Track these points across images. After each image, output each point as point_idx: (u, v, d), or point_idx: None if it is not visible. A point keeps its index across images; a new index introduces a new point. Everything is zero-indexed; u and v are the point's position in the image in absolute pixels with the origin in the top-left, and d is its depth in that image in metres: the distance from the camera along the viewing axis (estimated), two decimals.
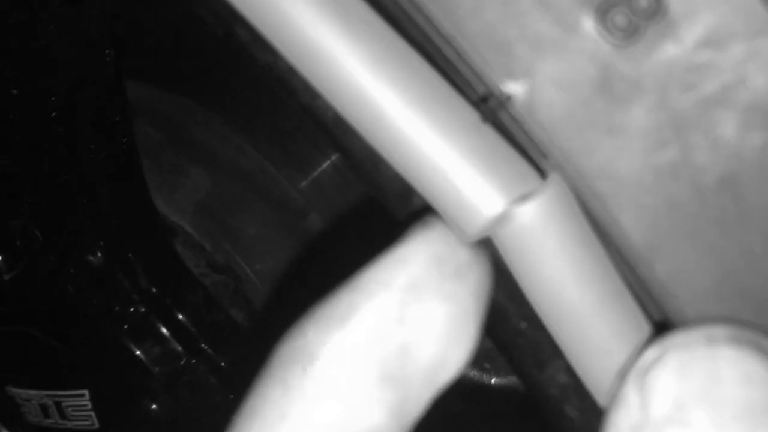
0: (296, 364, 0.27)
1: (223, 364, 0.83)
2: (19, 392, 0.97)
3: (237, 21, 0.34)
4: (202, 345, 0.83)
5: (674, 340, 0.25)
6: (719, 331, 0.25)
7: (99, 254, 0.80)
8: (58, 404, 0.94)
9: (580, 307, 0.29)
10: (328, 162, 0.98)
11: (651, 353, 0.25)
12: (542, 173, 0.29)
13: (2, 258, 0.84)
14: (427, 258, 0.28)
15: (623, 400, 0.24)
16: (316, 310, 0.28)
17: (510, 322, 0.35)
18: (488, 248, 0.31)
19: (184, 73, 0.99)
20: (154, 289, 0.82)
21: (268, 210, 0.97)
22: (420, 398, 0.28)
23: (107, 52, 0.63)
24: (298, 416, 0.27)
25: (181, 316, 0.83)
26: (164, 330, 0.82)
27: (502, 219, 0.29)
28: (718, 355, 0.24)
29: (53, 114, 0.64)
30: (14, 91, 0.60)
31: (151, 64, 0.96)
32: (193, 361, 0.83)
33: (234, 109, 0.99)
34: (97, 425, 0.92)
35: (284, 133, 0.98)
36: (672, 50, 0.25)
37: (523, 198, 0.29)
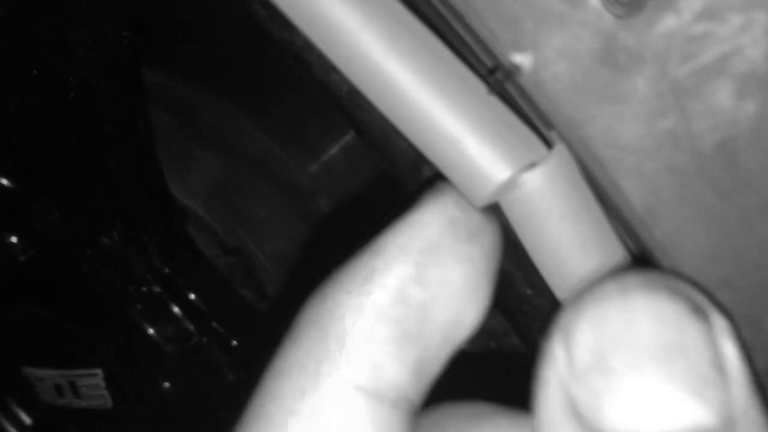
0: (320, 325, 0.29)
1: (234, 343, 0.85)
2: (34, 372, 0.98)
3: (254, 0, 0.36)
4: (214, 324, 0.85)
5: (591, 294, 0.25)
6: (632, 279, 0.25)
7: (114, 236, 0.82)
8: (71, 383, 0.96)
9: (583, 270, 0.30)
10: (337, 146, 0.99)
11: (571, 309, 0.26)
12: (548, 143, 0.31)
13: (18, 239, 0.86)
14: (442, 221, 0.30)
15: (550, 356, 0.25)
16: (338, 274, 0.30)
17: (516, 289, 0.37)
18: (497, 215, 0.33)
19: (197, 59, 1.00)
20: (167, 270, 0.84)
21: (278, 193, 0.98)
22: (439, 355, 0.30)
23: (125, 34, 0.64)
24: (326, 374, 0.28)
25: (193, 296, 0.84)
26: (177, 310, 0.84)
27: (510, 185, 0.30)
28: (631, 302, 0.25)
29: (71, 95, 0.66)
30: (34, 72, 0.62)
31: (165, 50, 0.97)
32: (205, 340, 0.84)
33: (245, 94, 1.00)
34: (110, 404, 0.93)
35: (294, 118, 1.00)
36: (671, 22, 0.27)
37: (530, 166, 0.30)
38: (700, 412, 0.23)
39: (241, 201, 0.98)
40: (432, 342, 0.29)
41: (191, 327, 0.84)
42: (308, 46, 0.34)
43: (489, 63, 0.30)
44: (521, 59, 0.28)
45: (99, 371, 0.93)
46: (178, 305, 0.83)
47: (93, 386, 0.94)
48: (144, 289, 0.83)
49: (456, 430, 0.31)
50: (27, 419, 1.05)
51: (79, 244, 0.82)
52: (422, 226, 0.30)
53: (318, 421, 0.27)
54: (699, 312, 0.25)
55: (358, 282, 0.29)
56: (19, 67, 0.64)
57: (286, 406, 0.28)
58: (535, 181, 0.30)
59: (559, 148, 0.30)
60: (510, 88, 0.30)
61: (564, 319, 0.26)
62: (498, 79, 0.29)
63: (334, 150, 0.99)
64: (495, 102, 0.31)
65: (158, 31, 0.94)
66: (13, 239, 0.87)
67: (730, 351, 0.24)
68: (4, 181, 0.83)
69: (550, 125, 0.30)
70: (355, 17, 0.31)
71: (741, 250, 0.28)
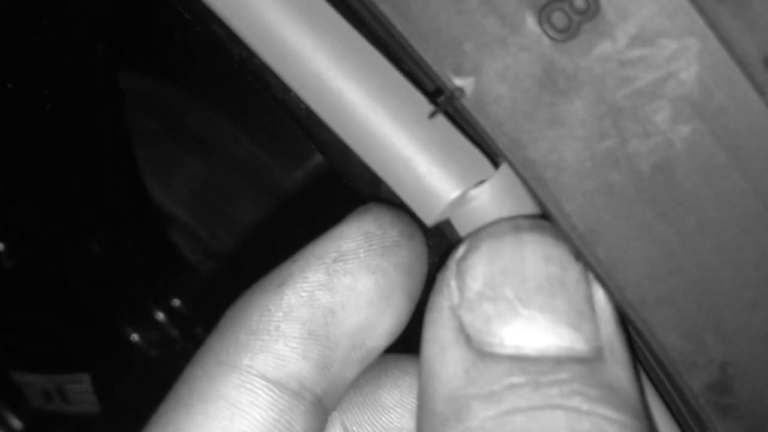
0: (236, 320, 0.32)
1: None
2: (22, 377, 0.99)
3: (212, 19, 0.36)
4: (198, 330, 0.85)
5: (486, 230, 0.29)
6: (524, 221, 0.29)
7: (97, 243, 0.83)
8: (60, 388, 0.96)
9: None
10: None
11: (467, 243, 0.29)
12: (495, 162, 0.32)
13: (4, 246, 0.87)
14: (358, 235, 0.32)
15: (444, 285, 0.28)
16: (261, 280, 0.33)
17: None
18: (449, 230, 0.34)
19: (181, 64, 1.01)
20: (151, 276, 0.84)
21: (262, 198, 0.99)
22: (348, 358, 0.32)
23: (99, 46, 0.65)
24: (234, 362, 0.31)
25: (177, 302, 0.85)
26: (161, 315, 0.84)
27: (459, 202, 0.31)
28: (522, 239, 0.28)
29: (47, 106, 0.66)
30: (9, 85, 0.62)
31: (149, 55, 0.98)
32: (190, 345, 0.85)
33: (229, 99, 1.01)
34: (98, 408, 0.94)
35: (278, 123, 1.00)
36: (607, 47, 0.27)
37: (479, 183, 0.31)
38: (576, 341, 0.26)
39: (226, 206, 0.98)
40: (338, 344, 0.32)
41: (175, 333, 0.84)
42: (265, 65, 0.35)
43: (434, 84, 0.30)
44: (464, 82, 0.29)
45: (87, 376, 0.94)
46: (163, 311, 0.84)
47: (81, 391, 0.95)
48: (128, 295, 0.83)
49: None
50: (17, 424, 1.06)
51: (62, 251, 0.83)
52: (338, 238, 0.33)
53: (223, 402, 0.30)
54: (579, 257, 0.28)
55: (274, 284, 0.32)
56: None
57: (195, 388, 0.31)
58: (483, 196, 0.31)
59: (505, 166, 0.31)
60: (455, 109, 0.30)
61: (459, 252, 0.29)
62: (442, 102, 0.30)
63: (319, 155, 0.99)
64: (442, 123, 0.31)
65: (141, 36, 0.95)
66: None
67: (600, 293, 0.28)
68: None
69: (494, 146, 0.30)
70: (306, 39, 0.32)
71: (681, 268, 0.29)
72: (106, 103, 0.72)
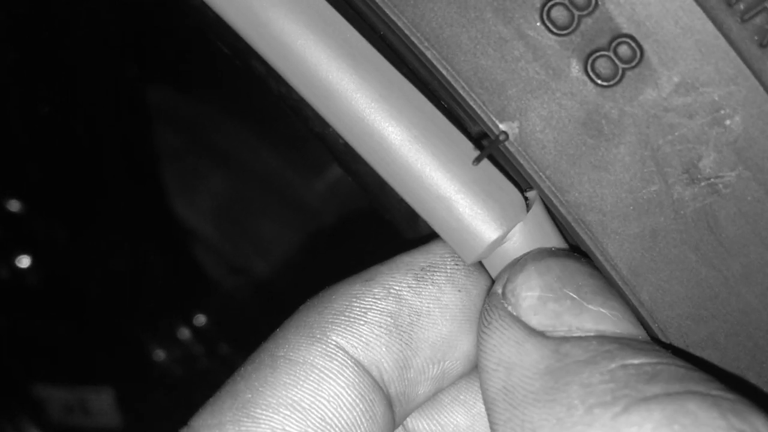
0: (326, 302, 0.33)
1: (242, 364, 0.86)
2: (44, 390, 0.99)
3: (252, 55, 0.36)
4: (222, 346, 0.86)
5: (526, 256, 0.31)
6: (560, 250, 0.31)
7: (121, 259, 0.83)
8: (82, 402, 0.97)
9: None
10: None
11: (509, 270, 0.31)
12: (527, 202, 0.32)
13: (31, 263, 0.87)
14: (445, 252, 0.34)
15: (497, 301, 0.30)
16: (343, 281, 0.34)
17: None
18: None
19: (204, 77, 1.01)
20: (174, 292, 0.85)
21: (285, 212, 0.99)
22: (424, 370, 0.33)
23: (128, 62, 0.65)
24: (323, 337, 0.32)
25: (202, 319, 0.86)
26: (185, 332, 0.85)
27: (497, 243, 0.31)
28: (565, 260, 0.30)
29: (75, 122, 0.67)
30: (45, 109, 0.63)
31: (172, 70, 0.98)
32: (214, 362, 0.85)
33: (251, 114, 1.01)
34: (120, 423, 0.94)
35: (300, 137, 1.01)
36: (652, 94, 0.27)
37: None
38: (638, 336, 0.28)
39: (248, 220, 0.99)
40: (420, 350, 0.33)
41: (199, 349, 0.85)
42: (304, 101, 0.35)
43: (479, 128, 0.31)
44: (508, 126, 0.29)
45: (109, 391, 0.94)
46: (186, 328, 0.84)
47: (103, 405, 0.95)
48: (152, 311, 0.84)
49: None
50: None
51: (87, 267, 0.83)
52: (426, 251, 0.34)
53: (310, 368, 0.31)
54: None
55: (362, 279, 0.33)
56: (27, 102, 0.65)
57: (280, 354, 0.32)
58: (515, 237, 0.32)
59: (536, 207, 0.31)
60: (497, 153, 0.30)
61: (502, 278, 0.30)
62: (487, 146, 0.30)
63: (340, 170, 0.99)
64: (484, 163, 0.32)
65: (166, 50, 0.95)
66: (24, 261, 0.88)
67: None
68: (15, 203, 0.84)
69: (528, 186, 0.31)
70: (348, 77, 0.32)
71: (724, 312, 0.29)
72: (132, 119, 0.73)
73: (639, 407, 0.25)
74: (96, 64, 0.71)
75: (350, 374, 0.31)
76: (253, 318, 0.92)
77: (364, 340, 0.32)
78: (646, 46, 0.27)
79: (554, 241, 0.32)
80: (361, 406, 0.31)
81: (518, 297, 0.30)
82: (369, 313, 0.32)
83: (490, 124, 0.29)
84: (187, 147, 1.00)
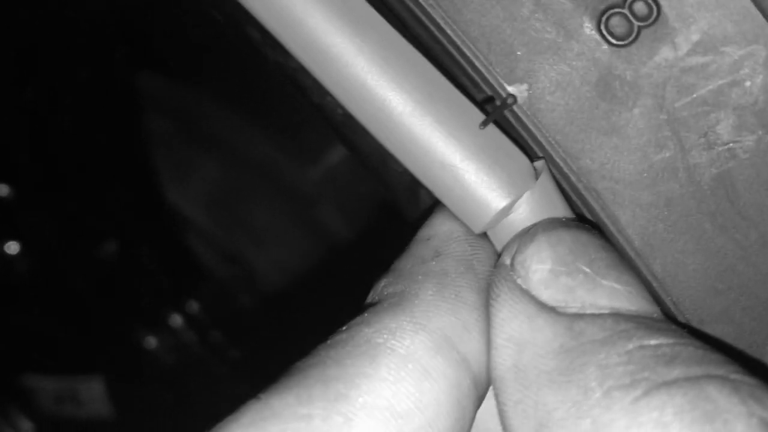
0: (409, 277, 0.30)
1: (234, 353, 0.85)
2: (34, 380, 0.98)
3: (248, 22, 0.35)
4: (214, 334, 0.84)
5: (536, 226, 0.29)
6: (570, 221, 0.29)
7: (113, 247, 0.82)
8: (72, 391, 0.96)
9: None
10: (339, 152, 0.98)
11: (518, 241, 0.29)
12: (535, 170, 0.31)
13: (20, 250, 0.86)
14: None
15: (505, 273, 0.28)
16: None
17: None
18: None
19: (196, 64, 1.00)
20: (166, 281, 0.84)
21: (279, 200, 0.98)
22: (482, 367, 0.29)
23: (117, 48, 0.64)
24: (429, 326, 0.28)
25: (193, 307, 0.84)
26: (177, 320, 0.84)
27: (505, 213, 0.30)
28: (577, 232, 0.28)
29: (65, 110, 0.65)
30: (32, 94, 0.62)
31: (164, 56, 0.97)
32: (205, 350, 0.84)
33: (244, 99, 1.00)
34: (111, 412, 0.93)
35: (295, 123, 0.99)
36: (668, 53, 0.26)
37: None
38: (653, 314, 0.27)
39: (242, 208, 0.97)
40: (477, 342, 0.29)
41: (191, 337, 0.83)
42: (302, 69, 0.34)
43: (485, 92, 0.29)
44: (516, 89, 0.28)
45: (100, 379, 0.93)
46: (178, 316, 0.83)
47: (94, 394, 0.94)
48: (144, 300, 0.83)
49: None
50: (28, 426, 1.05)
51: (77, 255, 0.82)
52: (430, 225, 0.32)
53: (413, 364, 0.27)
54: None
55: (430, 256, 0.31)
56: (17, 87, 0.64)
57: (378, 341, 0.28)
58: (522, 207, 0.30)
59: (544, 176, 0.30)
60: (504, 119, 0.29)
61: (511, 249, 0.29)
62: (494, 110, 0.29)
63: (335, 156, 0.98)
64: (490, 129, 0.30)
65: (158, 37, 0.94)
66: (13, 248, 0.87)
67: None
68: (4, 187, 0.83)
69: (536, 154, 0.29)
70: (349, 42, 0.31)
71: (741, 284, 0.28)
72: (122, 104, 0.71)
73: (660, 391, 0.24)
74: (85, 49, 0.70)
75: (453, 374, 0.27)
76: (246, 306, 0.91)
77: (465, 325, 0.28)
78: (663, 2, 0.26)
79: (562, 211, 0.30)
80: (455, 414, 0.27)
81: (528, 269, 0.28)
82: (463, 291, 0.29)
83: (497, 87, 0.28)
84: (179, 133, 0.98)
